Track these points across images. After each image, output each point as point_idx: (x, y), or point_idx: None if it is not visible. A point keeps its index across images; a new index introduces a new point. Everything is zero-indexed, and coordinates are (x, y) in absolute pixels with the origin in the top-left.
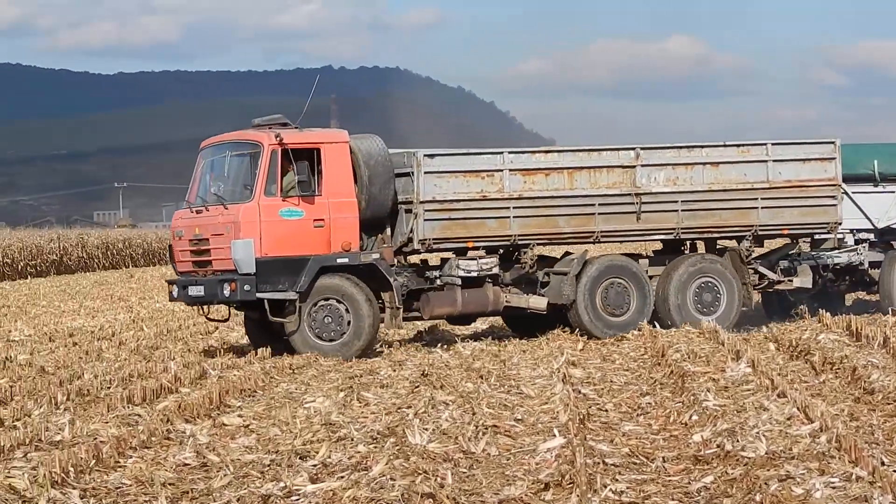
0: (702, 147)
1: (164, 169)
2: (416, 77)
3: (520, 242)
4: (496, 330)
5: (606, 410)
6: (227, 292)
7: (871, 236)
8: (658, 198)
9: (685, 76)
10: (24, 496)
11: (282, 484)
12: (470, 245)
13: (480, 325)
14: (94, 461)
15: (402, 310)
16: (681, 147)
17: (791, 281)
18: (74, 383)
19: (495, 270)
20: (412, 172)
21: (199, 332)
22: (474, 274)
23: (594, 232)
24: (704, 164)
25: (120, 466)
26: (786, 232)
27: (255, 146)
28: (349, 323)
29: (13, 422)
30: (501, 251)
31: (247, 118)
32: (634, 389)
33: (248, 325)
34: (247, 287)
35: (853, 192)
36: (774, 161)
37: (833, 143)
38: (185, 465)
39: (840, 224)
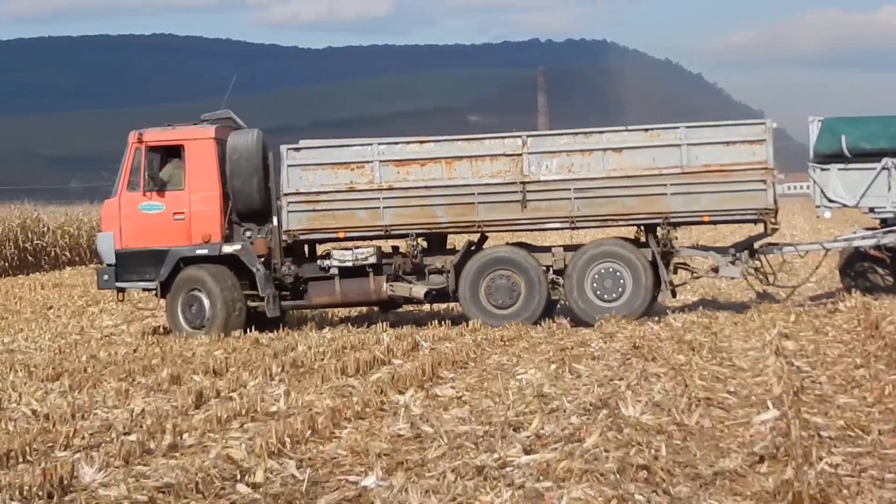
0: (601, 132)
1: None
2: (622, 49)
3: (393, 232)
4: (707, 302)
5: (820, 383)
6: (98, 282)
7: None
8: (546, 186)
9: None
10: (241, 466)
11: (496, 455)
12: (341, 235)
13: (690, 297)
14: (309, 432)
15: (271, 297)
16: (577, 133)
17: (717, 270)
18: (289, 355)
19: (372, 260)
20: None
21: (412, 304)
22: (349, 264)
23: (475, 221)
24: (605, 150)
25: (335, 437)
26: (706, 219)
27: (128, 144)
28: (209, 310)
29: (229, 393)
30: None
31: (450, 91)
32: (848, 362)
33: None
34: (105, 277)
35: None
36: (690, 145)
37: (763, 124)
38: (400, 435)
39: (771, 210)
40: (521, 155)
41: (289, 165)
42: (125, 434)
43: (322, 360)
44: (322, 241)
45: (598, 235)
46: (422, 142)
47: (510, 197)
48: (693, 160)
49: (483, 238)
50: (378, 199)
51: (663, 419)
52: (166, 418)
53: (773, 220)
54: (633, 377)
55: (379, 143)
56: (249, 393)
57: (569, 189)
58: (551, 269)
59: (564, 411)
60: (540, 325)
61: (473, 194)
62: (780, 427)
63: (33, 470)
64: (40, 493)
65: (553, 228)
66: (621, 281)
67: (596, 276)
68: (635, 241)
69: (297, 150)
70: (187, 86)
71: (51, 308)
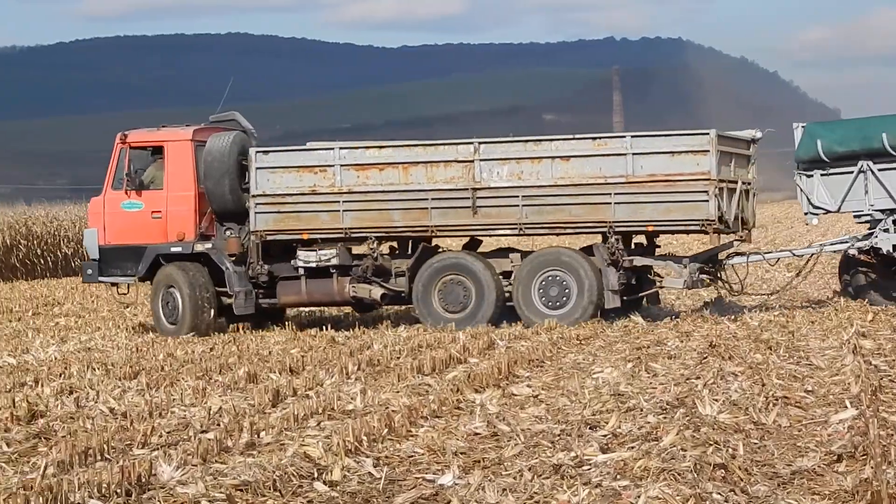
0: (551, 140)
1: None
2: (697, 47)
3: (354, 235)
4: (784, 300)
5: None
6: (83, 275)
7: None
8: (496, 192)
9: None
10: (318, 464)
11: (573, 454)
12: (305, 237)
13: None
14: (386, 430)
15: (242, 294)
16: (527, 140)
17: (662, 281)
18: (364, 353)
19: (334, 261)
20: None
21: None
22: (313, 265)
23: (429, 226)
24: (553, 157)
25: (412, 435)
26: (650, 229)
27: (114, 144)
28: (180, 307)
29: (306, 391)
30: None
31: (525, 90)
32: None
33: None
34: (89, 271)
35: (879, 170)
36: (635, 154)
37: (707, 134)
38: (476, 434)
39: (712, 221)
40: (472, 161)
41: (257, 168)
42: (202, 432)
43: (398, 358)
44: (290, 242)
45: (571, 240)
46: (381, 147)
47: (462, 203)
48: (638, 169)
49: (476, 241)
50: (338, 202)
51: (740, 418)
52: (243, 416)
53: (716, 230)
54: (709, 376)
55: (340, 148)
56: (326, 391)
57: (517, 196)
58: (513, 275)
59: (641, 410)
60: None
61: (427, 199)
62: (859, 426)
63: (111, 468)
64: (118, 490)
65: (502, 235)
66: (566, 289)
67: (542, 284)
68: (585, 249)
69: (265, 153)
70: (261, 85)
71: (128, 307)
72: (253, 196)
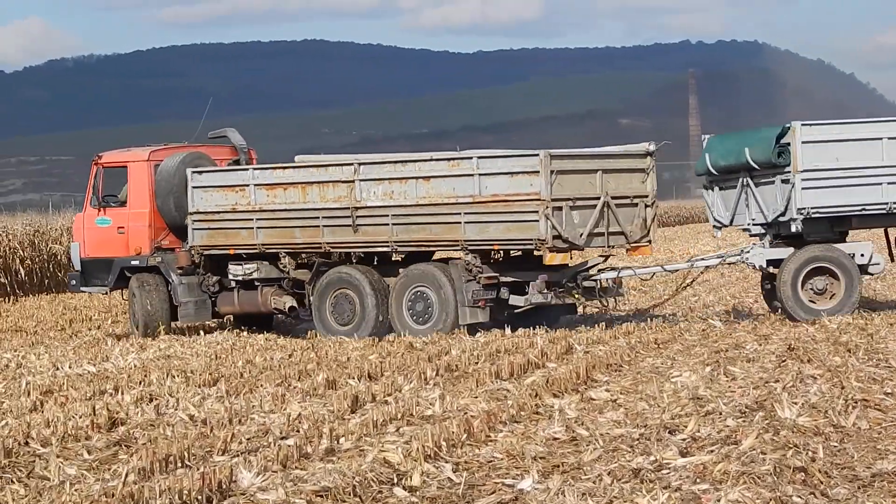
0: (415, 161)
1: (524, 146)
2: (774, 50)
3: (267, 251)
4: (862, 303)
5: None
6: (69, 285)
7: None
8: (371, 211)
9: None
10: (397, 470)
11: (652, 457)
12: (231, 252)
13: None
14: (465, 435)
15: (191, 305)
16: (396, 161)
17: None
18: (443, 359)
19: (256, 275)
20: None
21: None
22: (240, 277)
23: (321, 243)
24: (417, 178)
25: (490, 440)
26: (496, 247)
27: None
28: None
29: (384, 397)
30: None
31: (601, 94)
32: None
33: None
34: (73, 282)
35: (756, 185)
36: (481, 175)
37: (537, 155)
38: (555, 438)
39: (544, 241)
40: (354, 182)
41: (193, 187)
42: (282, 438)
43: (476, 363)
44: (225, 257)
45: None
46: (284, 167)
47: (345, 221)
48: (484, 190)
49: (428, 255)
50: (252, 219)
51: (820, 421)
52: (323, 422)
53: (552, 248)
54: (788, 379)
55: (254, 169)
56: (405, 397)
57: (387, 215)
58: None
59: (720, 414)
60: (688, 326)
61: (319, 218)
62: None
63: (192, 474)
64: (199, 497)
65: (379, 252)
66: (430, 304)
67: (411, 298)
68: (446, 265)
69: (199, 173)
70: (337, 91)
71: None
72: (190, 213)
